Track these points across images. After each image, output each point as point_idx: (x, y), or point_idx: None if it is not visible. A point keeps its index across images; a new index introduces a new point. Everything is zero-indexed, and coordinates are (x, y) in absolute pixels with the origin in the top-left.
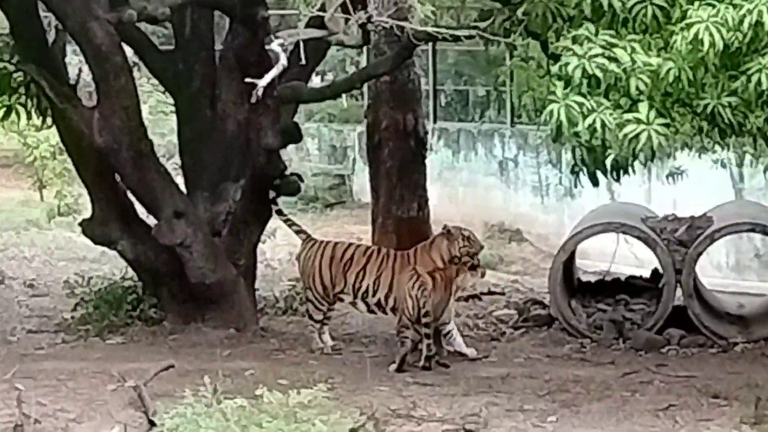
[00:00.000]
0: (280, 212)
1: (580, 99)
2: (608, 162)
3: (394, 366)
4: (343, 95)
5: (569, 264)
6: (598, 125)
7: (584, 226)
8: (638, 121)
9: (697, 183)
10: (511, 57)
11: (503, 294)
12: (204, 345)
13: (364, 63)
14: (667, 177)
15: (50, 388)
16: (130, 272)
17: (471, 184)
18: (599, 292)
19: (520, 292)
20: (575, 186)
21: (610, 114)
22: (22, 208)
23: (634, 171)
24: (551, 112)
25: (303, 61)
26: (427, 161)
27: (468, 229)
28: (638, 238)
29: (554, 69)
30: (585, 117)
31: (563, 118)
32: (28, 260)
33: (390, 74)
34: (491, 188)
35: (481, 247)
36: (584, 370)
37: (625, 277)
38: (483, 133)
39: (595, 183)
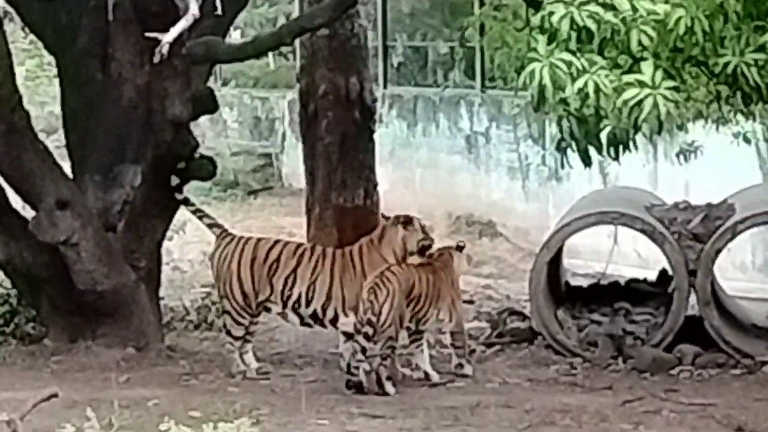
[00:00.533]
0: (186, 202)
1: (567, 57)
2: (603, 136)
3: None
4: (269, 54)
5: (555, 265)
6: (590, 89)
7: (574, 217)
8: (641, 84)
9: (714, 162)
10: (482, 5)
11: (472, 303)
12: (95, 368)
13: (296, 13)
14: (677, 155)
15: None
16: (2, 278)
17: (431, 164)
18: (593, 299)
19: (494, 300)
20: (562, 167)
21: (606, 75)
22: None
23: (636, 147)
24: (531, 73)
25: (219, 11)
26: (375, 136)
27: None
28: (641, 231)
29: (535, 20)
30: (574, 79)
31: (547, 80)
32: None
33: (329, 27)
34: (457, 170)
35: (433, 241)
36: (574, 398)
37: (625, 280)
38: (446, 101)
39: (587, 162)
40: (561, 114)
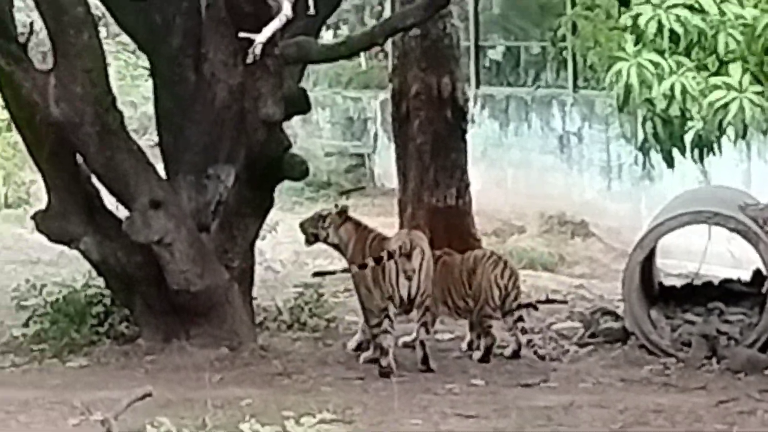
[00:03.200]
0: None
1: (655, 57)
2: (688, 138)
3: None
4: (362, 54)
5: (648, 265)
6: (677, 91)
7: (667, 217)
8: (728, 86)
9: None
10: (573, 5)
11: (565, 303)
12: (189, 368)
13: (387, 13)
14: None
15: None
16: (96, 278)
17: (523, 164)
18: (686, 299)
19: (587, 300)
20: (644, 167)
21: (693, 77)
22: None
23: (720, 150)
24: (618, 72)
25: (312, 11)
26: (467, 136)
27: None
28: (735, 230)
29: (623, 20)
30: (661, 80)
31: (633, 80)
32: None
33: (421, 27)
34: (549, 170)
35: None
36: (668, 398)
37: (718, 280)
38: (538, 101)
39: (670, 164)
40: (646, 114)
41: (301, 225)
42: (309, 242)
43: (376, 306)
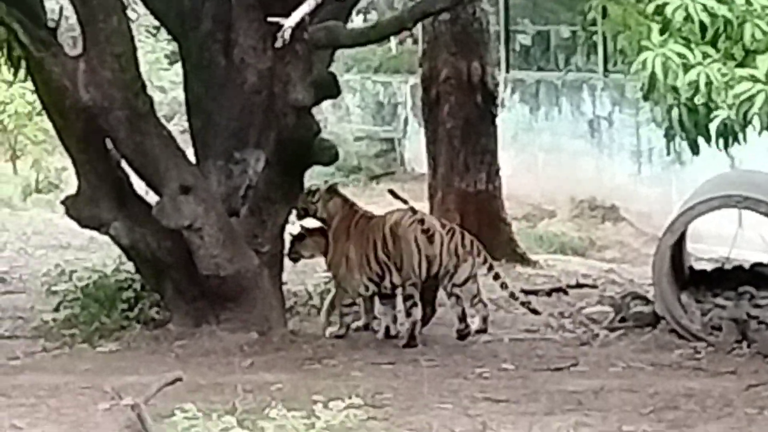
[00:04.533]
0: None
1: (680, 48)
2: (713, 127)
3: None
4: (392, 38)
5: (678, 249)
6: (701, 82)
7: (697, 201)
8: (753, 78)
9: None
10: None
11: (595, 287)
12: (219, 353)
13: None
14: None
15: (27, 408)
16: (126, 262)
17: (554, 149)
18: (717, 283)
19: (617, 285)
20: (668, 153)
21: (719, 69)
22: None
23: (745, 139)
24: (644, 61)
25: None
26: (497, 121)
27: None
28: (766, 215)
29: (650, 8)
30: (687, 70)
31: (658, 69)
32: None
33: (451, 11)
34: (579, 154)
35: None
36: (698, 382)
37: (749, 264)
38: (568, 85)
39: (696, 151)
40: (671, 103)
41: None
42: (299, 216)
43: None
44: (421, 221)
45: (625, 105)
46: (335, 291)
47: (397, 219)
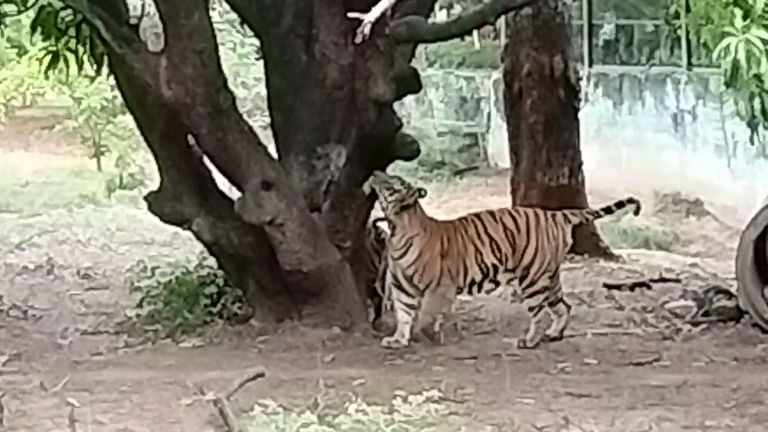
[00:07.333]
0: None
1: (764, 34)
2: None
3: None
4: (474, 33)
5: (762, 243)
6: None
7: None
8: None
9: None
10: None
11: (679, 281)
12: (301, 348)
13: None
14: None
15: (110, 403)
16: (208, 258)
17: (637, 143)
18: None
19: (700, 279)
20: (751, 143)
21: None
22: (75, 180)
23: None
24: (726, 48)
25: None
26: (580, 115)
27: None
28: None
29: None
30: None
31: (741, 56)
32: (82, 244)
33: (533, 5)
34: (663, 148)
35: None
36: None
37: None
38: (652, 79)
39: None
40: (753, 91)
41: None
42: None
43: None
44: None
45: (709, 99)
46: None
47: None
